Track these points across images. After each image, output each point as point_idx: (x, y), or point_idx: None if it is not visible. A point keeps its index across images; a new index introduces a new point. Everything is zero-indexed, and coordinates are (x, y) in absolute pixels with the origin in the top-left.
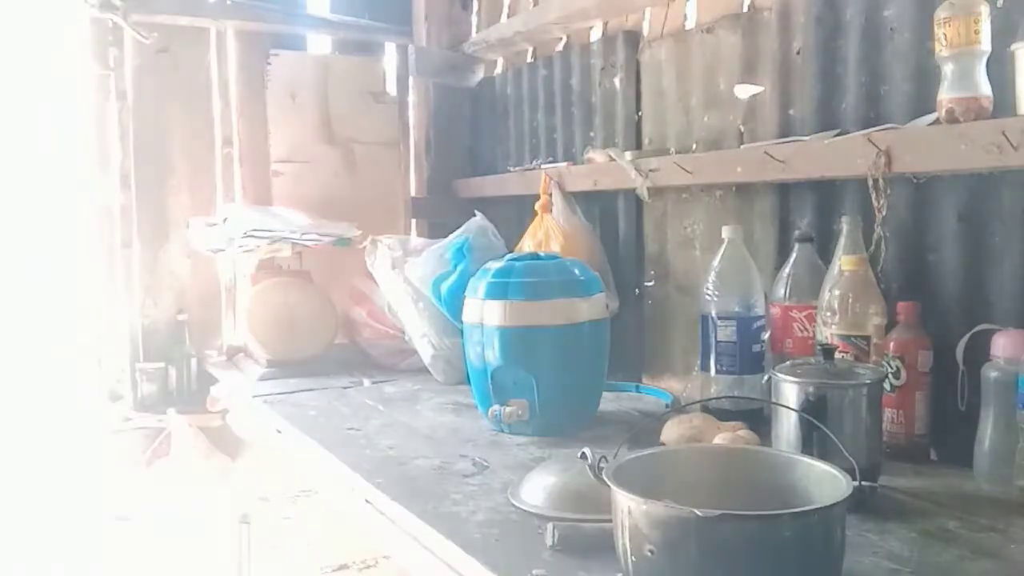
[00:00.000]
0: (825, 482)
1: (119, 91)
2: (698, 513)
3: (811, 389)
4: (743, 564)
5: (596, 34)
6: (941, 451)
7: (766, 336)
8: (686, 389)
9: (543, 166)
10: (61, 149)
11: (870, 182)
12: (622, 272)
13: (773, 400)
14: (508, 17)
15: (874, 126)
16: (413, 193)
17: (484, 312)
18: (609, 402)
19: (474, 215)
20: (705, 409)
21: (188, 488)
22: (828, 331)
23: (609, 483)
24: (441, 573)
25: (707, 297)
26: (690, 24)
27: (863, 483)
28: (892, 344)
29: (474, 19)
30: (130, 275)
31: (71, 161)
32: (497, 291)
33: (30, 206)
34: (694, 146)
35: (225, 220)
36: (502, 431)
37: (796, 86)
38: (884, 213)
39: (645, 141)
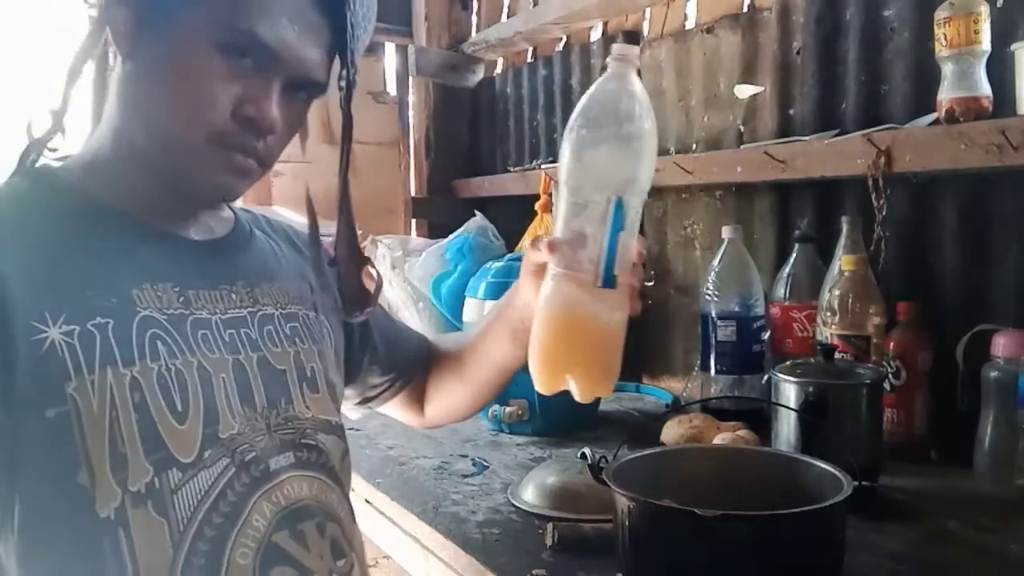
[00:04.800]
0: (825, 482)
1: None
2: (698, 513)
3: (811, 389)
4: (743, 564)
5: (596, 34)
6: (941, 451)
7: (766, 336)
8: (686, 389)
9: (543, 166)
10: (60, 149)
11: (870, 182)
12: None
13: (773, 400)
14: (508, 17)
15: (874, 126)
16: (413, 193)
17: (484, 312)
18: (609, 402)
19: (474, 215)
20: (705, 409)
21: None
22: (828, 331)
23: (609, 483)
24: (441, 573)
25: (707, 297)
26: (690, 24)
27: (863, 483)
28: (892, 344)
29: (474, 19)
30: None
31: None
32: (497, 291)
33: None
34: (694, 146)
35: None
36: (502, 431)
37: (796, 86)
38: (884, 213)
39: None
